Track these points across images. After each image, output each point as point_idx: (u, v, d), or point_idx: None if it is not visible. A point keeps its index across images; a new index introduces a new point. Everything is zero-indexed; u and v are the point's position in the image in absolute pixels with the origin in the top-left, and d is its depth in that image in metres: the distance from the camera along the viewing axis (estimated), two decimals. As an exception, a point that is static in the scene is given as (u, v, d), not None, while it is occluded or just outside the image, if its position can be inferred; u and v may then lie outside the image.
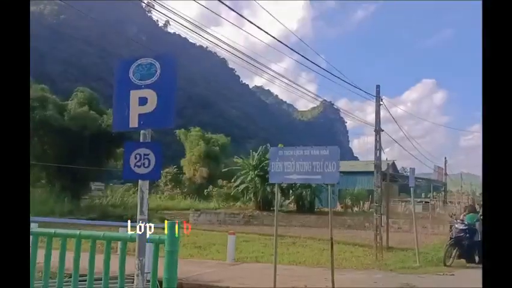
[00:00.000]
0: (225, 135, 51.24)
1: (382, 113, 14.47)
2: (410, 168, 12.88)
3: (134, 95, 3.22)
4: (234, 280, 7.97)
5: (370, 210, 29.17)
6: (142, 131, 3.28)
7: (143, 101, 3.16)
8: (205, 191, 38.92)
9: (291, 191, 28.62)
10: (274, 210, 29.33)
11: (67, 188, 29.74)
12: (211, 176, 42.66)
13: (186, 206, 34.19)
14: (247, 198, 29.75)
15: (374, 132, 15.31)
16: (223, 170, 35.24)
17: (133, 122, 3.21)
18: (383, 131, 14.97)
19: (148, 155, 3.22)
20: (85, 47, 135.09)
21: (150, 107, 3.13)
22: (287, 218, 26.74)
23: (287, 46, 15.67)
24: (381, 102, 14.68)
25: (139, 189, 3.34)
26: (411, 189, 12.25)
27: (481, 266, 9.14)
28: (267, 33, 11.56)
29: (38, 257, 4.24)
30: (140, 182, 3.33)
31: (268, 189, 27.64)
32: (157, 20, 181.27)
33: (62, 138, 29.75)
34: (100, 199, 35.89)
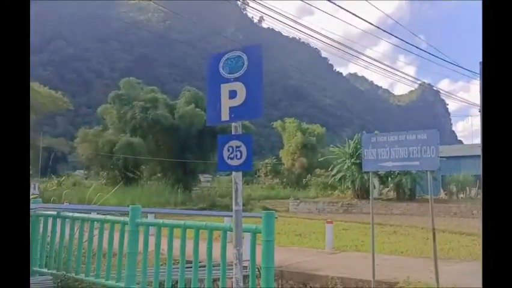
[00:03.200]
0: (320, 125, 51.30)
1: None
2: None
3: (225, 89, 3.30)
4: (333, 269, 7.86)
5: (478, 196, 27.07)
6: (233, 124, 3.34)
7: (233, 94, 3.25)
8: (304, 180, 39.53)
9: (389, 179, 27.83)
10: (373, 198, 28.98)
11: (179, 180, 32.58)
12: (309, 166, 43.16)
13: (286, 195, 35.19)
14: (345, 186, 29.62)
15: (479, 113, 14.31)
16: (320, 159, 35.47)
17: (225, 115, 3.29)
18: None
19: (239, 147, 3.26)
20: (188, 50, 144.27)
21: (239, 99, 3.22)
22: (387, 206, 26.18)
23: (383, 30, 15.41)
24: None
25: (233, 181, 3.38)
26: None
27: None
28: (361, 19, 11.57)
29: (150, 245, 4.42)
30: (234, 173, 3.38)
31: (366, 177, 27.24)
32: (252, 17, 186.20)
33: (173, 135, 32.74)
34: (209, 190, 38.65)
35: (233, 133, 3.35)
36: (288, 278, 7.61)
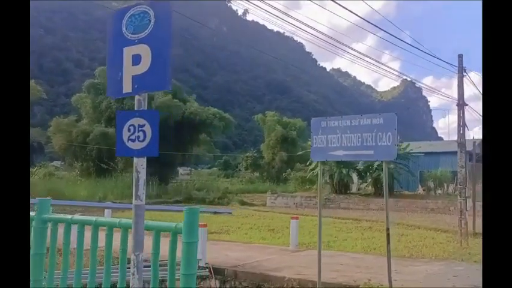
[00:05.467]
0: (302, 120, 51.01)
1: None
2: None
3: (128, 53, 2.65)
4: (293, 269, 7.35)
5: (455, 193, 27.05)
6: (136, 97, 2.71)
7: (136, 60, 2.61)
8: (284, 174, 39.15)
9: (368, 174, 27.64)
10: (351, 193, 28.54)
11: (156, 172, 31.75)
12: (289, 160, 42.80)
13: (265, 190, 34.74)
14: (323, 181, 29.30)
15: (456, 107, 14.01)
16: (299, 153, 35.12)
17: (127, 86, 2.65)
18: (467, 105, 13.61)
19: (143, 126, 2.71)
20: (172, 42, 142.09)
21: (144, 66, 2.59)
22: (364, 201, 25.99)
23: (368, 22, 15.00)
24: (464, 74, 13.32)
25: (134, 169, 2.70)
26: None
27: None
28: (348, 10, 10.99)
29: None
30: (135, 159, 2.72)
31: (344, 171, 26.95)
32: (237, 10, 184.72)
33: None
34: (187, 183, 37.99)
35: (136, 108, 2.72)
36: (242, 279, 7.06)
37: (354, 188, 31.00)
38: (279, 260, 8.39)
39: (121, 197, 25.75)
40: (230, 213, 11.30)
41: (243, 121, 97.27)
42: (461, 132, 13.47)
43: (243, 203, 28.14)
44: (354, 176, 29.92)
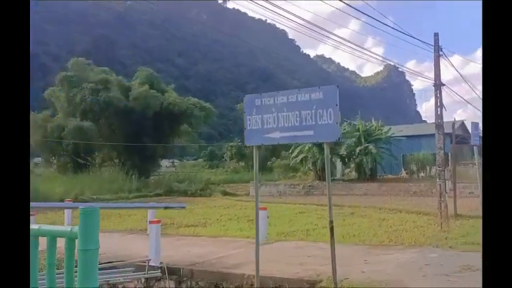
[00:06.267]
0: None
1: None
2: (472, 123, 10.75)
3: None
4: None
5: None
6: None
7: None
8: (268, 163, 38.76)
9: (351, 159, 27.45)
10: (334, 180, 28.19)
11: (136, 166, 31.05)
12: (274, 148, 42.31)
13: (251, 179, 34.28)
14: (306, 168, 29.03)
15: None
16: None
17: None
18: (443, 85, 13.33)
19: None
20: (151, 31, 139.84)
21: None
22: (348, 187, 25.84)
23: (352, 7, 14.53)
24: (441, 53, 12.98)
25: None
26: (475, 148, 10.34)
27: None
28: None
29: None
30: None
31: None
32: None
33: (128, 118, 30.97)
34: (169, 175, 37.35)
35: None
36: (199, 279, 6.56)
37: (338, 174, 30.82)
38: (243, 254, 7.84)
39: (98, 192, 25.13)
40: (183, 207, 10.55)
41: (227, 110, 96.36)
42: (439, 113, 13.20)
43: (225, 194, 27.73)
44: (338, 162, 29.71)
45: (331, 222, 4.82)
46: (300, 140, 5.54)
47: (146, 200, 24.94)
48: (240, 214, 16.63)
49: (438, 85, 13.15)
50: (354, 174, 28.84)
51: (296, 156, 28.53)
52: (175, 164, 54.25)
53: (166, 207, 10.09)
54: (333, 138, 4.95)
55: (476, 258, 6.81)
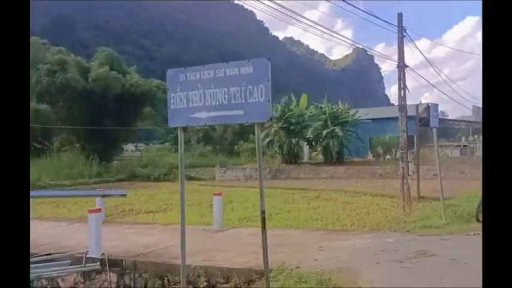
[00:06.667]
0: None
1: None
2: (431, 104, 10.49)
3: None
4: (205, 254, 6.32)
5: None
6: None
7: None
8: (236, 146, 38.22)
9: (318, 142, 27.35)
10: (301, 163, 28.10)
11: (97, 150, 29.78)
12: (242, 131, 41.77)
13: (217, 163, 33.76)
14: (273, 151, 28.70)
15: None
16: (246, 123, 34.14)
17: None
18: (407, 67, 13.15)
19: None
20: (115, 11, 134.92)
21: None
22: (315, 170, 25.79)
23: None
24: (404, 34, 12.71)
25: None
26: (434, 130, 10.06)
27: None
28: None
29: None
30: None
31: (294, 141, 26.41)
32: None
33: (87, 100, 29.45)
34: (133, 160, 36.21)
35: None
36: (142, 270, 5.98)
37: (305, 158, 30.74)
38: (195, 243, 7.06)
39: (56, 178, 23.98)
40: (124, 195, 9.83)
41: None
42: (402, 95, 13.02)
43: (190, 178, 27.06)
44: (305, 145, 29.57)
45: (262, 212, 4.27)
46: (229, 120, 4.75)
47: (107, 185, 24.00)
48: (203, 199, 16.07)
49: (402, 67, 12.94)
50: (321, 158, 28.80)
51: (262, 139, 28.14)
52: (140, 148, 52.76)
53: (103, 196, 9.36)
54: (264, 118, 4.30)
55: (431, 243, 6.68)
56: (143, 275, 5.87)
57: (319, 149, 28.38)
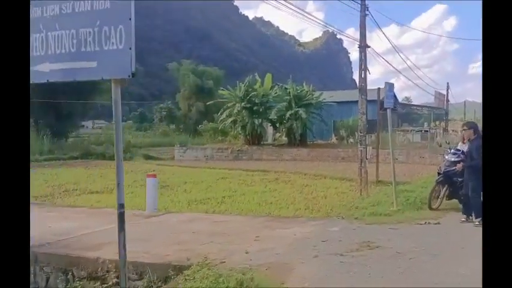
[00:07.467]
0: (220, 69, 48.60)
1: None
2: (386, 83, 9.75)
3: None
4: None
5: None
6: None
7: None
8: (199, 126, 37.18)
9: (282, 123, 26.82)
10: (264, 144, 27.47)
11: (49, 125, 28.05)
12: (207, 111, 40.68)
13: (181, 142, 32.74)
14: (236, 132, 27.98)
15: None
16: (209, 102, 33.19)
17: None
18: (369, 47, 12.65)
19: None
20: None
21: None
22: (278, 152, 25.37)
23: None
24: (367, 12, 12.14)
25: None
26: (388, 110, 9.36)
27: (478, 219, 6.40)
28: None
29: None
30: None
31: (257, 122, 25.76)
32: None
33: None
34: (88, 137, 34.66)
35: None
36: (44, 263, 5.17)
37: (269, 139, 30.22)
38: (114, 231, 6.40)
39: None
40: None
41: (160, 70, 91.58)
42: (363, 76, 12.53)
43: (148, 157, 26.04)
44: (268, 126, 29.01)
45: (121, 206, 3.13)
46: (79, 76, 3.27)
47: (58, 163, 22.70)
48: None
49: (363, 47, 12.44)
50: (284, 139, 28.37)
51: (225, 119, 27.32)
52: (100, 125, 50.68)
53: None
54: (124, 73, 2.99)
55: (378, 232, 6.25)
56: (44, 268, 5.04)
57: (283, 130, 27.89)
